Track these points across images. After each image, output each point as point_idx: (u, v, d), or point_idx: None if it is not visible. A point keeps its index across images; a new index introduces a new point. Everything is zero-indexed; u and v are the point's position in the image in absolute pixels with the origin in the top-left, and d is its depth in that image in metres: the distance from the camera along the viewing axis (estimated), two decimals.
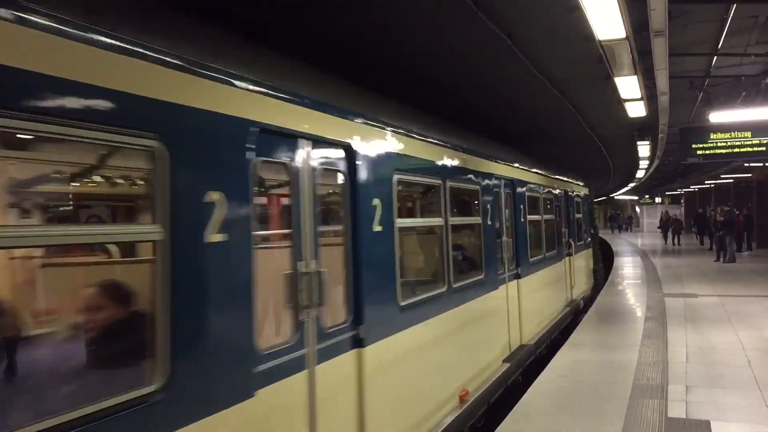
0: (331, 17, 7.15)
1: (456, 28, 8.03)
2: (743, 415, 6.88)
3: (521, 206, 10.75)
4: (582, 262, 17.77)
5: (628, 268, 24.67)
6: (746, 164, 29.54)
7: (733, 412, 6.98)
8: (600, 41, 8.57)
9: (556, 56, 10.05)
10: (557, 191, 14.42)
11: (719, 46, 13.41)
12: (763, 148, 18.76)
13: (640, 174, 36.16)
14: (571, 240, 15.53)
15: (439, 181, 7.05)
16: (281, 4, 6.64)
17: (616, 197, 70.45)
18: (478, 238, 8.58)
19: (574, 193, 17.07)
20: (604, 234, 48.87)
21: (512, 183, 10.37)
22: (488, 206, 8.81)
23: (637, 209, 67.90)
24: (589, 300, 16.94)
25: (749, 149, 19.02)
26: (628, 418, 6.74)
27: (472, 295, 7.91)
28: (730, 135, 18.94)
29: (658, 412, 6.91)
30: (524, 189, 11.10)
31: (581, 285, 17.05)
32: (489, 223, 8.74)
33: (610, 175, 36.06)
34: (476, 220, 8.57)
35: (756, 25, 12.06)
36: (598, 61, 9.84)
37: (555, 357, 9.74)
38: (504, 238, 9.72)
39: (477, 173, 8.45)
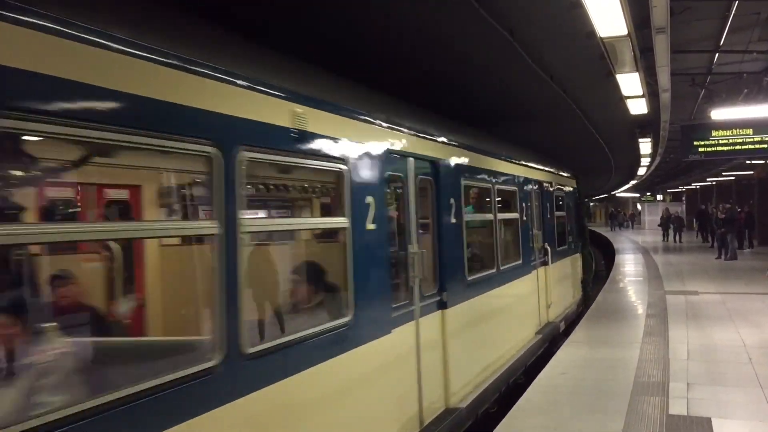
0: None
1: (457, 25, 8.02)
2: (744, 412, 6.87)
3: (451, 201, 7.27)
4: (565, 271, 14.23)
5: (629, 265, 24.65)
6: (748, 162, 29.53)
7: (734, 409, 6.96)
8: (601, 38, 8.55)
9: (558, 53, 10.04)
10: (526, 182, 10.97)
11: (721, 42, 13.40)
12: (765, 146, 18.74)
13: (641, 171, 36.11)
14: (547, 245, 12.14)
15: (214, 150, 3.61)
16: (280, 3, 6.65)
17: (617, 194, 70.45)
18: (342, 253, 5.07)
19: (555, 186, 13.67)
20: (604, 231, 48.88)
21: (435, 166, 6.98)
22: (369, 199, 5.37)
23: (638, 206, 67.83)
24: (577, 317, 13.90)
25: (751, 146, 19.00)
26: (630, 415, 6.73)
27: (314, 356, 4.46)
28: (732, 132, 18.91)
29: (659, 410, 6.89)
30: (458, 176, 7.62)
31: (563, 301, 13.60)
32: (371, 226, 5.36)
33: (612, 173, 36.04)
34: (339, 222, 5.06)
35: (758, 21, 12.04)
36: (599, 58, 9.83)
37: (556, 354, 9.73)
38: (411, 250, 6.16)
39: (340, 144, 4.97)
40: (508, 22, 8.14)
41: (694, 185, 54.18)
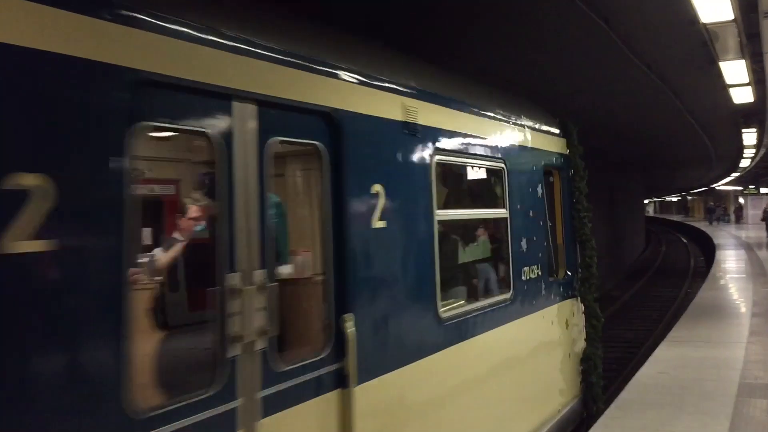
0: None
1: (551, 13, 7.94)
2: None
3: None
4: (511, 371, 6.17)
5: (731, 261, 23.59)
6: None
7: None
8: (705, 24, 8.25)
9: (656, 41, 9.75)
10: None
11: None
12: None
13: (744, 163, 34.47)
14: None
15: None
16: None
17: (717, 188, 67.32)
18: None
19: (468, 140, 5.52)
20: (703, 227, 46.78)
21: None
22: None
23: (740, 200, 64.52)
24: None
25: None
26: (735, 417, 6.47)
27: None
28: None
29: (767, 413, 6.61)
30: None
31: None
32: None
33: (712, 165, 34.59)
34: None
35: None
36: (701, 46, 9.47)
37: (654, 353, 9.46)
38: None
39: None
40: (603, 10, 7.96)
41: None
